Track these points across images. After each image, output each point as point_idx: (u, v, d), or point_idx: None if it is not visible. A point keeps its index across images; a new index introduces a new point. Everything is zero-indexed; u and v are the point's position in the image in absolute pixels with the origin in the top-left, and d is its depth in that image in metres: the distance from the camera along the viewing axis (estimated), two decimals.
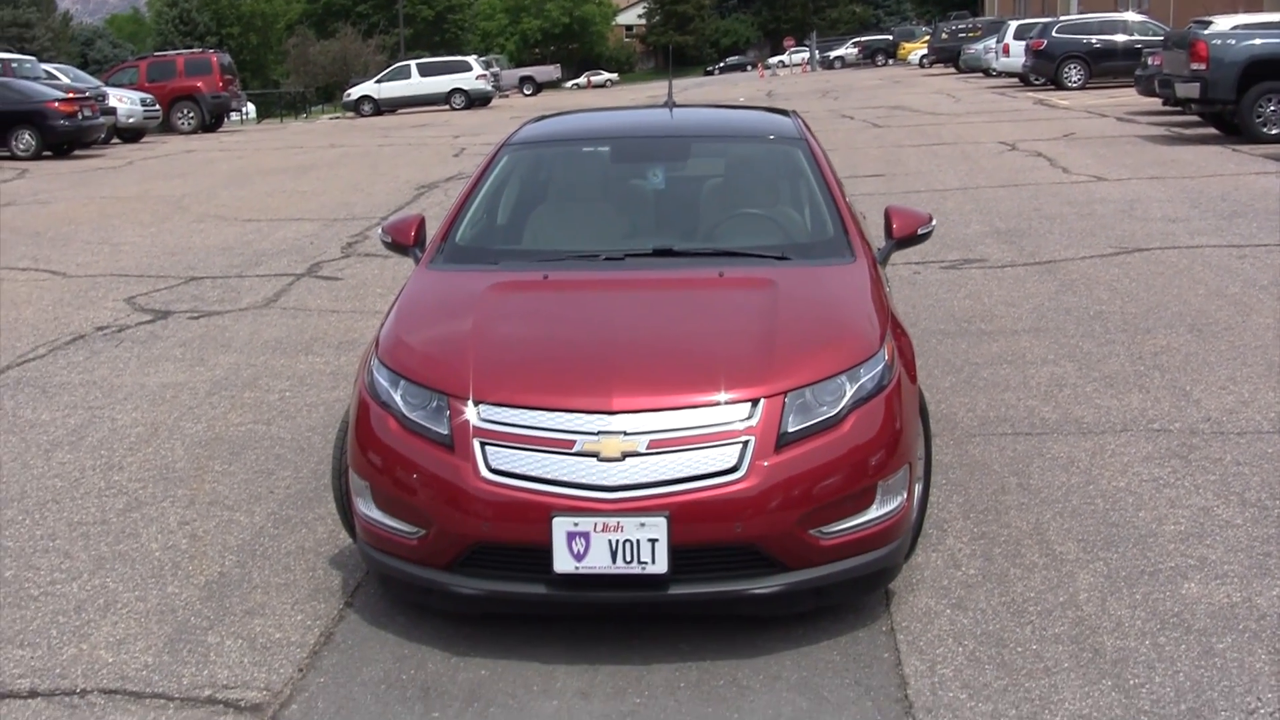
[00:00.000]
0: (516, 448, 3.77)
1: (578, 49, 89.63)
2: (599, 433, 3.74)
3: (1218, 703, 3.53)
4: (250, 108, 43.47)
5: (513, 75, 58.05)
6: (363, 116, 41.33)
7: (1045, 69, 31.19)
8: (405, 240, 5.33)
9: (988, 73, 39.76)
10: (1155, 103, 21.18)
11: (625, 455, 3.70)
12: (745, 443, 3.74)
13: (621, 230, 5.22)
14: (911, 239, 5.33)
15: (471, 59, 45.91)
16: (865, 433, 3.88)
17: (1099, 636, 3.92)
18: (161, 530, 5.02)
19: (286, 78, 60.52)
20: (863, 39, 73.53)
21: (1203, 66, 16.94)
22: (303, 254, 11.57)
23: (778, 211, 5.36)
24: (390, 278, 10.11)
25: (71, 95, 24.93)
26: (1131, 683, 3.64)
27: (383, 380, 4.13)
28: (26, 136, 23.81)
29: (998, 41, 37.25)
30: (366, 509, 4.05)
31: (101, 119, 25.83)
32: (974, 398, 6.39)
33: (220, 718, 3.61)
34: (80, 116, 24.39)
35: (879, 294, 4.59)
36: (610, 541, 3.63)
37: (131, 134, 29.71)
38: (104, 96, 27.89)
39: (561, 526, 3.65)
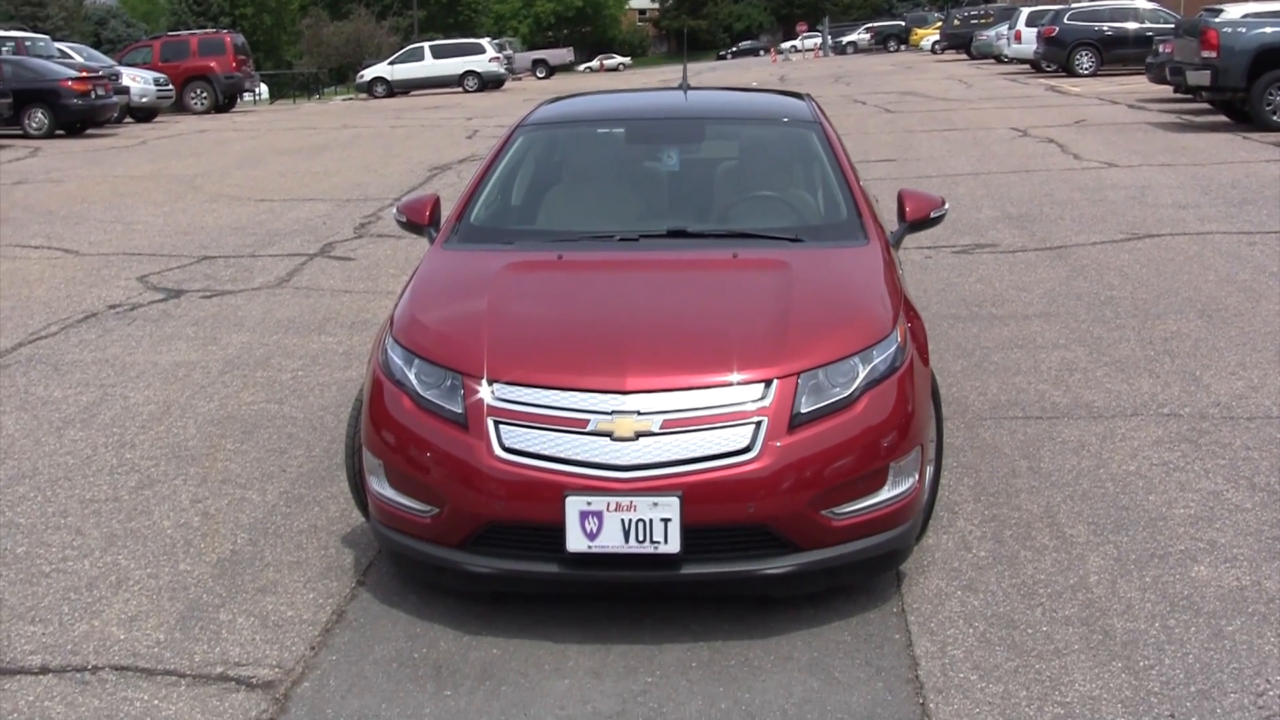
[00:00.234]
0: (530, 427, 3.79)
1: (591, 32, 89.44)
2: (613, 412, 3.75)
3: (1227, 684, 3.54)
4: (263, 88, 43.44)
5: (525, 58, 57.93)
6: (375, 98, 41.32)
7: (1057, 56, 31.18)
8: (420, 220, 5.33)
9: (1000, 59, 39.67)
10: (1166, 90, 21.15)
11: (638, 435, 3.71)
12: (758, 423, 3.75)
13: (636, 211, 5.23)
14: (924, 222, 5.32)
15: (485, 41, 45.85)
16: (878, 414, 3.89)
17: (1109, 619, 3.93)
18: (173, 508, 5.05)
19: (300, 59, 60.41)
20: (875, 25, 73.35)
21: (1213, 54, 16.93)
22: (316, 234, 11.58)
23: (791, 194, 5.36)
24: (403, 258, 10.12)
25: (85, 74, 24.94)
26: (1141, 664, 3.65)
27: (397, 359, 4.15)
28: (40, 115, 23.83)
29: (1010, 28, 37.18)
30: (380, 487, 4.07)
31: (115, 98, 25.84)
32: (985, 381, 6.40)
33: (232, 695, 3.63)
34: (93, 95, 24.40)
35: (892, 276, 4.59)
36: (623, 521, 3.64)
37: (144, 114, 29.72)
38: (117, 76, 27.92)
39: (574, 506, 3.66)
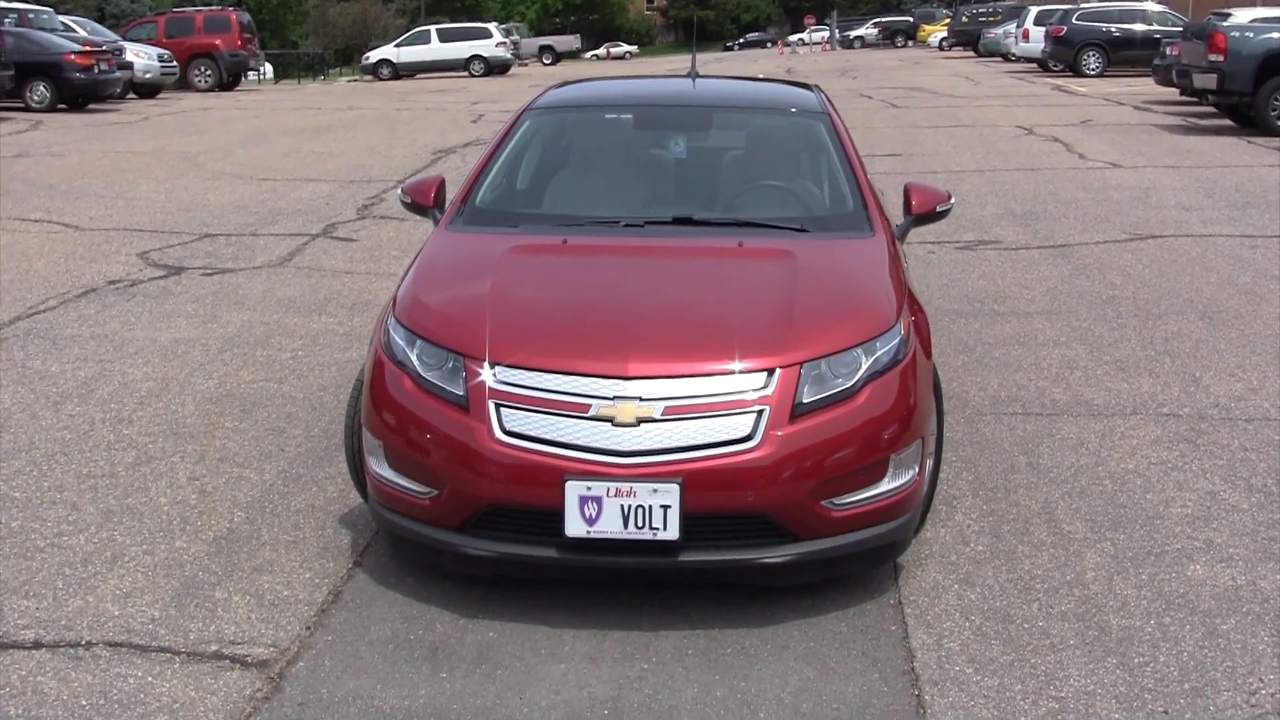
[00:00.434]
0: (531, 410, 3.78)
1: (598, 20, 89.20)
2: (614, 398, 3.74)
3: (1220, 683, 3.55)
4: (268, 68, 43.30)
5: (532, 44, 57.82)
6: (381, 80, 41.25)
7: (1064, 55, 31.23)
8: (425, 201, 5.32)
9: (1007, 57, 39.65)
10: (1172, 92, 21.16)
11: (640, 421, 3.70)
12: (760, 412, 3.75)
13: (642, 197, 5.21)
14: (930, 216, 5.31)
15: (492, 26, 45.76)
16: (879, 406, 3.89)
17: (1105, 615, 3.93)
18: (170, 485, 5.04)
19: (305, 39, 60.22)
20: (883, 19, 73.28)
21: (1220, 58, 16.95)
22: (318, 214, 11.57)
23: (798, 184, 5.35)
24: (406, 240, 10.11)
25: (88, 48, 24.82)
26: (1136, 661, 3.66)
27: (399, 340, 4.14)
28: (42, 88, 23.75)
29: (1018, 26, 37.15)
30: (379, 468, 4.07)
31: (118, 73, 25.74)
32: (986, 377, 6.40)
33: (226, 673, 3.62)
34: (96, 70, 24.31)
35: (896, 269, 4.58)
36: (622, 507, 3.64)
37: (148, 90, 29.61)
38: (121, 51, 27.78)
39: (574, 490, 3.66)
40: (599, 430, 3.71)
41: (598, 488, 3.65)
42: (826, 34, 70.96)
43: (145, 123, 21.79)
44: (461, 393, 3.88)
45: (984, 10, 51.29)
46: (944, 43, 55.02)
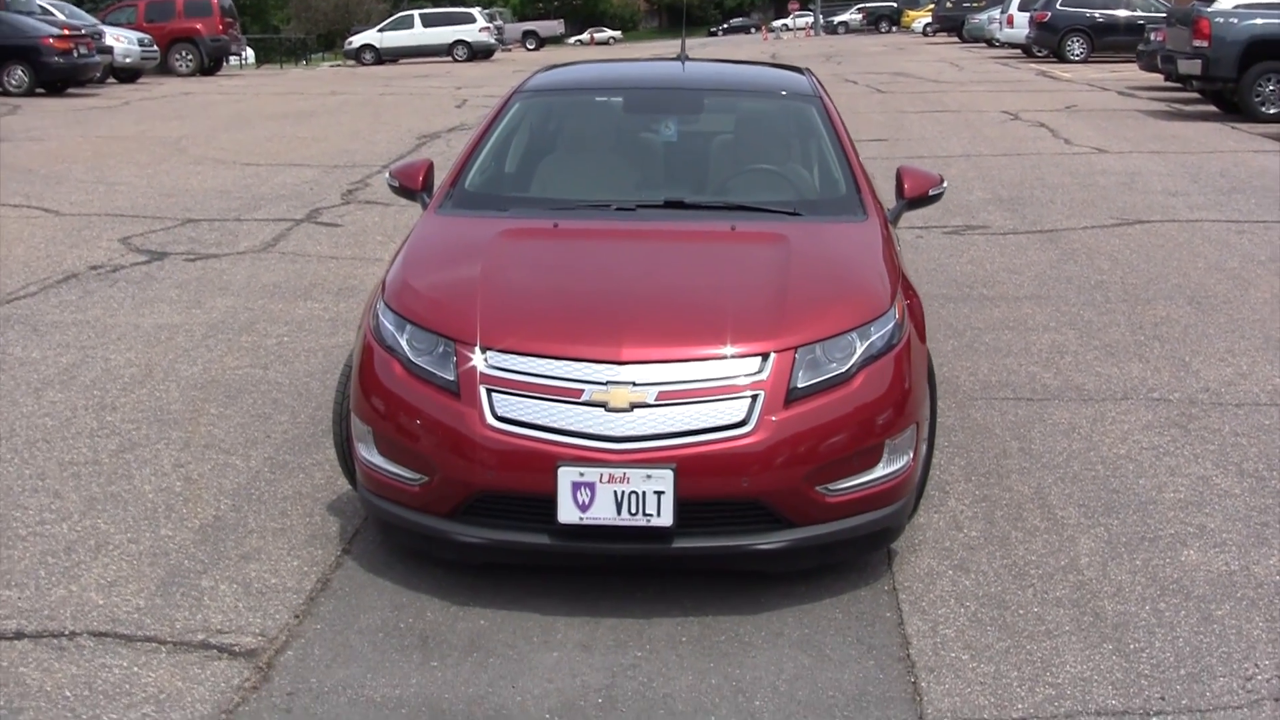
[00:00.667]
0: (523, 395, 3.73)
1: (581, 5, 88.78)
2: (608, 382, 3.70)
3: (1216, 668, 3.53)
4: (249, 52, 42.99)
5: (516, 29, 57.56)
6: (364, 65, 41.03)
7: (1048, 41, 31.28)
8: (413, 185, 5.26)
9: (991, 43, 39.67)
10: (1156, 78, 21.19)
11: (633, 406, 3.66)
12: (754, 397, 3.71)
13: (633, 181, 5.16)
14: (922, 200, 5.28)
15: (475, 11, 45.47)
16: (874, 391, 3.86)
17: (1100, 601, 3.91)
18: (155, 472, 4.98)
19: (287, 23, 59.83)
20: (867, 5, 73.07)
21: (1205, 44, 17.00)
22: (302, 199, 11.47)
23: (790, 168, 5.31)
24: (391, 225, 10.04)
25: (67, 32, 24.57)
26: (1132, 647, 3.64)
27: (389, 324, 4.08)
28: (19, 72, 23.50)
29: (1002, 12, 37.18)
30: (368, 454, 4.02)
31: (97, 58, 25.49)
32: (976, 362, 6.38)
33: (214, 663, 3.57)
34: (76, 54, 24.06)
35: (890, 253, 4.55)
36: (616, 493, 3.60)
37: (128, 74, 29.36)
38: (101, 35, 27.53)
39: (567, 476, 3.62)
40: (592, 415, 3.67)
41: (590, 474, 3.61)
42: (810, 19, 70.96)
43: (126, 107, 21.60)
44: (452, 378, 3.83)
45: None
46: (928, 28, 55.04)
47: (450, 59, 41.44)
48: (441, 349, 3.90)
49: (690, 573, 3.98)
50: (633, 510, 3.61)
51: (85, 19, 29.80)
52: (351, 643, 3.69)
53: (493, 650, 3.64)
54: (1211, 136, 15.38)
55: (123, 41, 29.05)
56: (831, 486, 3.78)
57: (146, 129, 17.65)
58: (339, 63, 45.47)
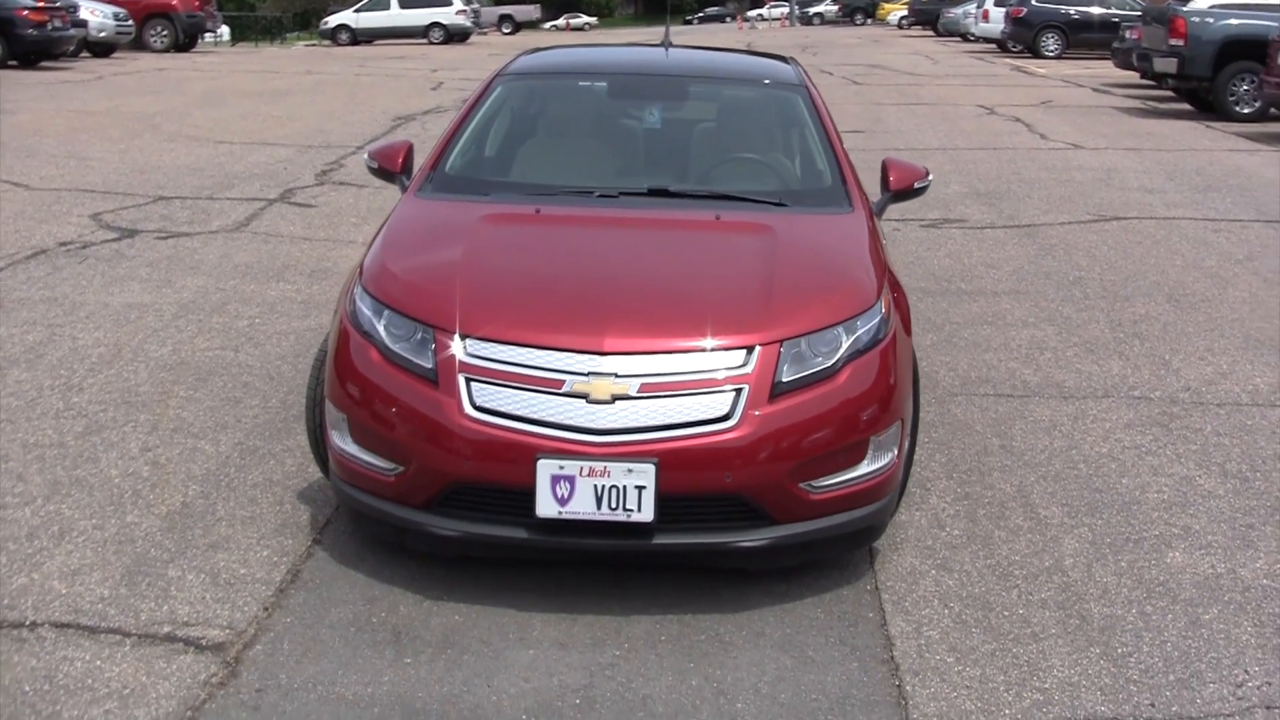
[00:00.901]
0: (503, 385, 3.64)
1: None
2: (589, 373, 3.61)
3: (1206, 674, 3.49)
4: (225, 30, 42.56)
5: (492, 13, 57.15)
6: (339, 45, 40.67)
7: (1023, 37, 31.37)
8: (392, 167, 5.15)
9: (966, 37, 39.74)
10: (1131, 75, 21.26)
11: (615, 398, 3.58)
12: (738, 390, 3.63)
13: (616, 167, 5.07)
14: (908, 192, 5.22)
15: None
16: (860, 386, 3.78)
17: (1085, 603, 3.86)
18: (122, 456, 4.86)
19: (263, 1, 59.32)
20: None
21: (1181, 43, 17.08)
22: (276, 179, 11.31)
23: (775, 157, 5.24)
24: (365, 207, 9.90)
25: (41, 5, 24.14)
26: (1120, 651, 3.59)
27: (366, 309, 3.98)
28: None
29: (977, 7, 37.24)
30: (342, 442, 3.91)
31: (72, 31, 25.10)
32: (955, 357, 6.32)
33: (180, 656, 3.46)
34: (50, 27, 23.69)
35: (876, 246, 4.48)
36: (596, 487, 3.51)
37: (102, 49, 28.94)
38: (75, 8, 27.06)
39: (546, 469, 3.53)
40: (573, 407, 3.58)
41: (570, 467, 3.52)
42: (786, 10, 70.86)
43: (99, 82, 21.28)
44: (430, 365, 3.73)
45: None
46: (903, 21, 55.08)
47: (426, 41, 41.14)
48: (420, 336, 3.80)
49: (670, 569, 3.89)
50: (613, 504, 3.52)
51: None
52: (322, 637, 3.59)
53: (467, 647, 3.55)
54: (1187, 134, 15.43)
55: (98, 15, 28.60)
56: (815, 483, 3.71)
57: (120, 104, 17.38)
58: (314, 42, 45.07)
